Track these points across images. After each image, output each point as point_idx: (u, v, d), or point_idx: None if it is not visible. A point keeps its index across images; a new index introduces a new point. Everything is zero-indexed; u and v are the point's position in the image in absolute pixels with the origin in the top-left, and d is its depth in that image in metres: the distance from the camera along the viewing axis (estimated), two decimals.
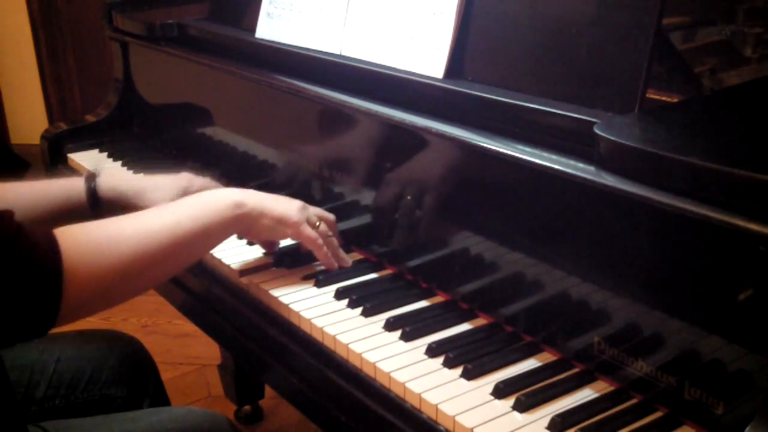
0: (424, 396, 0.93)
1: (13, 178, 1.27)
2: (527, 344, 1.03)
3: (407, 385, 0.95)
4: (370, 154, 1.25)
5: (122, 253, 0.96)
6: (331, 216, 1.25)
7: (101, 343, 1.38)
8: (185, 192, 1.37)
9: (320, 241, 1.19)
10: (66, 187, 1.30)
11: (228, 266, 1.27)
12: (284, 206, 1.17)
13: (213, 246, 1.15)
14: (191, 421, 1.19)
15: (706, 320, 0.83)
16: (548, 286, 1.00)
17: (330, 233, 1.22)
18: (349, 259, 1.24)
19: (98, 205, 1.31)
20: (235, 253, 1.30)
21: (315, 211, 1.22)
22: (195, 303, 1.34)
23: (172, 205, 1.11)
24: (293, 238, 1.21)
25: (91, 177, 1.31)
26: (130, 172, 1.70)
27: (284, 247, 1.29)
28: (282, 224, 1.16)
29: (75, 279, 0.91)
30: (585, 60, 1.01)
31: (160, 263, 1.02)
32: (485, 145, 1.03)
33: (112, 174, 1.34)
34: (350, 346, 1.04)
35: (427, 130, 1.11)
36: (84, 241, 0.95)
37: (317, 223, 1.19)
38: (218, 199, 1.12)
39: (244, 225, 1.14)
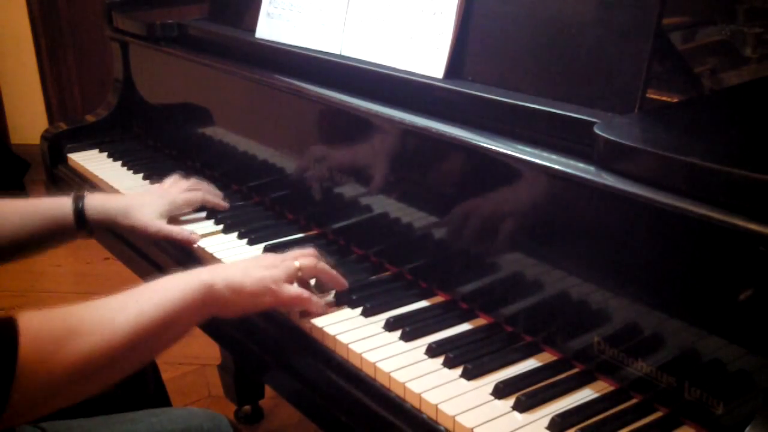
0: (424, 396, 0.93)
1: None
2: (527, 344, 1.03)
3: (407, 385, 0.95)
4: (369, 153, 1.25)
5: (82, 350, 0.88)
6: (308, 249, 1.16)
7: None
8: (172, 203, 1.37)
9: (305, 294, 1.09)
10: (53, 207, 1.30)
11: None
12: (257, 276, 1.06)
13: (184, 333, 1.03)
14: (191, 422, 1.18)
15: (706, 320, 0.83)
16: (548, 286, 1.00)
17: (315, 261, 1.13)
18: (344, 280, 1.16)
19: (84, 225, 1.31)
20: (235, 253, 1.31)
21: (291, 254, 1.12)
22: None
23: (136, 291, 0.99)
24: (275, 307, 1.11)
25: (78, 197, 1.31)
26: (130, 172, 1.70)
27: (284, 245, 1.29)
28: (260, 296, 1.06)
29: (28, 378, 0.84)
30: (585, 60, 1.01)
31: (123, 357, 0.94)
32: (485, 145, 1.03)
33: (99, 194, 1.34)
34: (350, 346, 1.04)
35: (427, 130, 1.11)
36: (43, 334, 0.87)
37: (297, 264, 1.10)
38: (185, 282, 1.01)
39: (216, 307, 1.04)
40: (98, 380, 0.94)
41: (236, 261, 1.11)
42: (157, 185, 1.48)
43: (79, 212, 1.30)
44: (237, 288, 1.04)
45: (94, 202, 1.32)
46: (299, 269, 1.10)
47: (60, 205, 1.30)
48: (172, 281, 1.02)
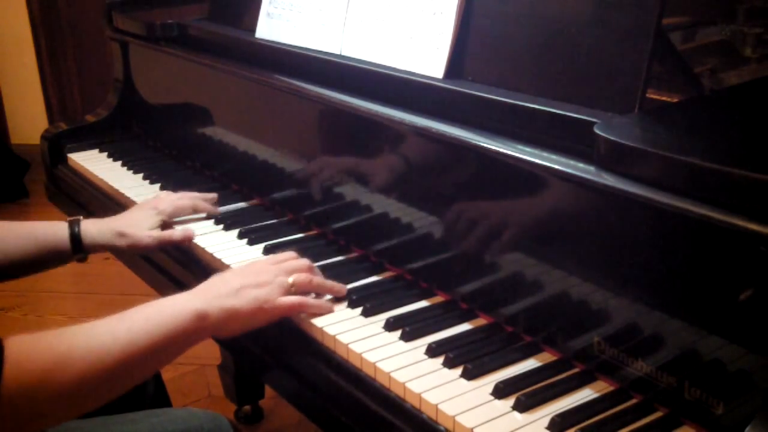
0: (424, 396, 0.93)
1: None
2: (527, 344, 1.03)
3: (407, 385, 0.95)
4: (369, 154, 1.25)
5: (70, 378, 0.88)
6: (302, 263, 1.15)
7: None
8: (162, 212, 1.38)
9: (302, 300, 1.10)
10: (49, 231, 1.32)
11: (228, 266, 1.27)
12: (251, 297, 1.06)
13: (174, 357, 1.03)
14: (191, 422, 1.18)
15: (706, 320, 0.83)
16: (548, 286, 1.00)
17: (309, 277, 1.12)
18: (343, 286, 1.16)
19: (80, 249, 1.33)
20: (234, 252, 1.31)
21: (284, 268, 1.12)
22: None
23: (128, 316, 0.98)
24: (274, 320, 1.10)
25: (73, 222, 1.32)
26: (130, 172, 1.70)
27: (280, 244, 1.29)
28: (255, 316, 1.07)
29: (11, 402, 0.83)
30: (585, 60, 1.01)
31: (112, 384, 0.95)
32: (485, 145, 1.03)
33: (93, 219, 1.36)
34: (350, 346, 1.04)
35: (427, 130, 1.11)
36: (31, 362, 0.86)
37: (291, 281, 1.10)
38: (178, 310, 1.00)
39: (211, 331, 1.05)
40: (87, 404, 0.95)
41: (229, 276, 1.10)
42: (145, 199, 1.49)
43: (76, 238, 1.32)
44: (232, 313, 1.05)
45: (89, 227, 1.33)
46: (293, 285, 1.10)
47: (56, 230, 1.32)
48: (164, 307, 1.01)
